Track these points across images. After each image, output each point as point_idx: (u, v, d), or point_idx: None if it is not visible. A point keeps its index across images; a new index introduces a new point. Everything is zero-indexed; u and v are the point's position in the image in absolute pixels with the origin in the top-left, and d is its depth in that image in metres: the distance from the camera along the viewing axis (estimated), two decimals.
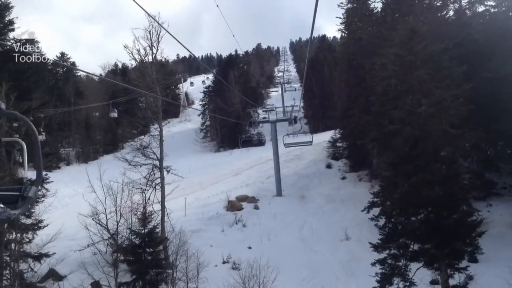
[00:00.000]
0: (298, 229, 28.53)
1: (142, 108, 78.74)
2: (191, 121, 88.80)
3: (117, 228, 20.72)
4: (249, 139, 35.69)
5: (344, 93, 44.29)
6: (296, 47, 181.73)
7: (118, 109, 76.41)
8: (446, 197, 17.07)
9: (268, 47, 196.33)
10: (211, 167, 51.81)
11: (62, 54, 72.96)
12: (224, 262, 23.83)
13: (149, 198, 24.14)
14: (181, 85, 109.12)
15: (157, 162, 24.28)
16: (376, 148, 26.55)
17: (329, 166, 45.08)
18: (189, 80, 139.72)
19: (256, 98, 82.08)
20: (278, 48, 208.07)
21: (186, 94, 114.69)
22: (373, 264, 16.84)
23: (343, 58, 45.54)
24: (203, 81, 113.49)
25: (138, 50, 25.23)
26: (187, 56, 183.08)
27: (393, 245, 16.36)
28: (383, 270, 17.01)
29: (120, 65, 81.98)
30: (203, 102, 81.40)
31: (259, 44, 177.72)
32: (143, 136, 30.24)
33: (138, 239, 19.06)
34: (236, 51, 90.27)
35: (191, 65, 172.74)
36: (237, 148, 63.53)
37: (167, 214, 24.43)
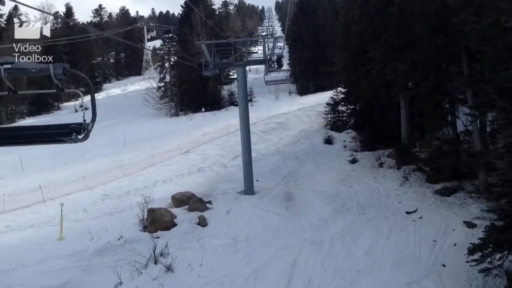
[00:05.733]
0: (282, 286, 12.97)
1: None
2: (155, 79, 74.03)
3: None
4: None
5: (356, 28, 28.45)
6: (282, 4, 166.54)
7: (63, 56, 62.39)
8: None
9: (252, 5, 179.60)
10: (157, 138, 36.01)
11: None
12: None
13: None
14: (147, 45, 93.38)
15: None
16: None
17: (329, 141, 30.10)
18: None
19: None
20: (263, 7, 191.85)
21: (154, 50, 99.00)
22: None
23: None
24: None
25: None
26: (164, 11, 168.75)
27: None
28: None
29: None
30: (162, 51, 64.64)
31: None
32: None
33: None
34: None
35: (168, 22, 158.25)
36: (200, 111, 48.61)
37: None
